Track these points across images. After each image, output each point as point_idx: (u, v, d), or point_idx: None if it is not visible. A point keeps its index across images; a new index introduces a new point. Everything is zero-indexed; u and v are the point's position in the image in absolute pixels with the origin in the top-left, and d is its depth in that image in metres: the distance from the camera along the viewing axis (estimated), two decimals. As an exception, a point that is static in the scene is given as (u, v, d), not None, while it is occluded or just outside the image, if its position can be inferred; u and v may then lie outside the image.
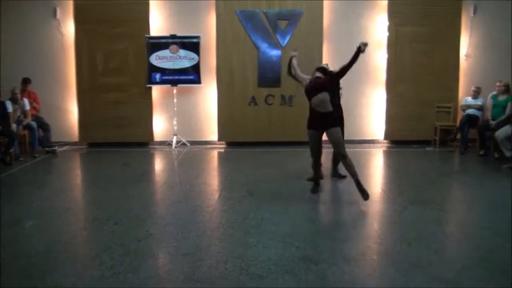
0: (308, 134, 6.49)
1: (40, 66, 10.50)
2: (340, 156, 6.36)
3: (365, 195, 6.19)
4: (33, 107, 10.00)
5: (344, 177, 7.33)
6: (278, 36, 10.39)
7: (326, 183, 7.21)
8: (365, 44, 6.11)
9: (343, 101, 7.16)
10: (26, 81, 10.14)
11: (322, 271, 4.10)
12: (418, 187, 7.09)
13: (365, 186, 6.30)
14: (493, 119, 9.28)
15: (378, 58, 10.56)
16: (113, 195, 6.75)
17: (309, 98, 6.40)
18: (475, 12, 10.32)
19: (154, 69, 10.41)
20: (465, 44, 10.46)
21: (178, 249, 4.67)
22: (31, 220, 5.60)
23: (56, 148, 10.06)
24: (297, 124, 10.30)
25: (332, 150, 6.84)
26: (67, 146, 10.62)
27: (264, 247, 4.68)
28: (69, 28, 10.51)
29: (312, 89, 6.35)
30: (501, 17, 10.31)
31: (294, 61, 6.85)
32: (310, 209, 6.06)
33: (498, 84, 9.44)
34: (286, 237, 4.93)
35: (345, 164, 6.31)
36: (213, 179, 8.10)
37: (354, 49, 6.06)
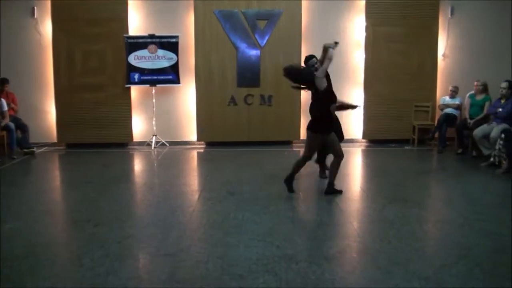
0: (312, 137, 6.41)
1: (18, 66, 10.34)
2: (341, 157, 6.41)
3: (338, 192, 6.50)
4: (11, 108, 9.81)
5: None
6: (257, 36, 10.39)
7: (306, 183, 7.24)
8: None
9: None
10: (3, 82, 9.92)
11: (303, 270, 4.11)
12: (397, 186, 7.16)
13: (344, 185, 6.68)
14: (471, 118, 9.38)
15: (356, 58, 10.64)
16: (92, 196, 6.67)
17: (329, 100, 6.30)
18: (452, 13, 10.45)
19: (132, 69, 10.33)
20: (443, 44, 10.60)
21: (158, 250, 4.64)
22: (10, 223, 5.52)
23: (34, 149, 9.91)
24: (276, 124, 10.39)
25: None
26: (45, 147, 10.47)
27: (245, 246, 4.67)
28: (47, 28, 10.38)
29: (331, 94, 6.33)
30: (478, 17, 10.49)
31: (331, 52, 6.19)
32: (290, 208, 6.08)
33: (475, 83, 9.55)
34: (266, 237, 4.93)
35: (338, 163, 6.41)
36: (193, 180, 8.08)
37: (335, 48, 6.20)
